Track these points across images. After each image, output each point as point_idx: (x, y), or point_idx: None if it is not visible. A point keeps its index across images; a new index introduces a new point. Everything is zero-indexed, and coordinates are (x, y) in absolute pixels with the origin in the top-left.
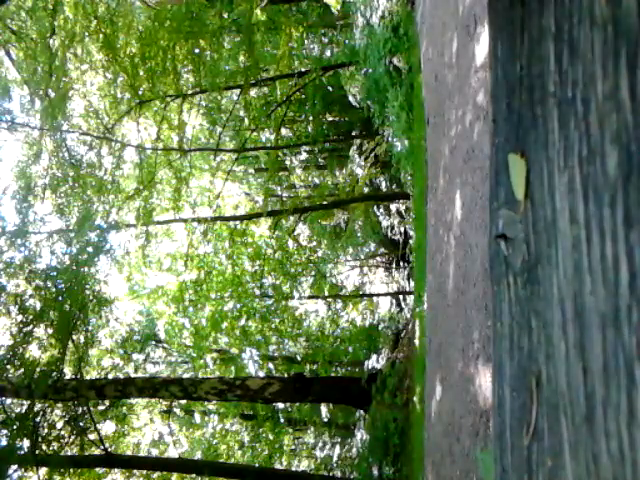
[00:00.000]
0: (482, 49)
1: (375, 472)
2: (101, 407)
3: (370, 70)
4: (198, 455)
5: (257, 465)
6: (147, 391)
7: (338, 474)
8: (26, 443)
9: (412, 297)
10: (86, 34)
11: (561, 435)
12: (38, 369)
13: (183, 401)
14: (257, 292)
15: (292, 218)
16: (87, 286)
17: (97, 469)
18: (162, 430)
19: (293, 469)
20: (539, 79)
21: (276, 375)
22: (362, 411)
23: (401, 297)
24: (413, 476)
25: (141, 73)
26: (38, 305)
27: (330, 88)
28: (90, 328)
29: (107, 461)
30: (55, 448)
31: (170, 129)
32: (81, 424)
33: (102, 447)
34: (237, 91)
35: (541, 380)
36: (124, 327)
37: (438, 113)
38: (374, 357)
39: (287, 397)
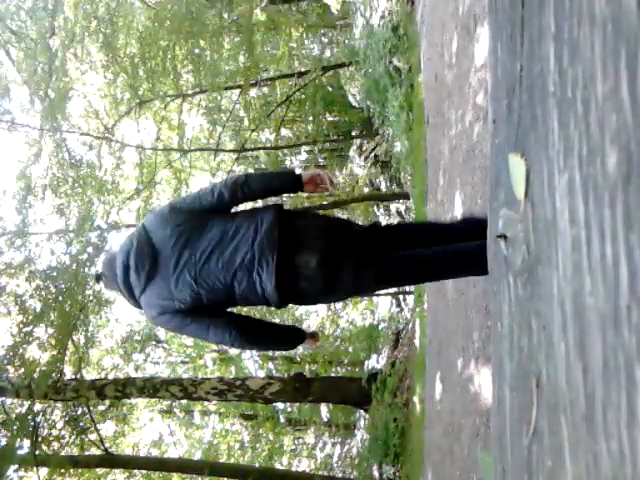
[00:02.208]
0: (482, 49)
1: (375, 472)
2: (101, 407)
3: (370, 70)
4: (198, 455)
5: (257, 465)
6: (147, 391)
7: (338, 474)
8: (26, 443)
9: (412, 297)
10: (86, 34)
11: (561, 435)
12: (38, 369)
13: (183, 401)
14: None
15: None
16: (87, 286)
17: (97, 469)
18: (162, 430)
19: (293, 469)
20: (539, 79)
21: (276, 375)
22: (362, 411)
23: (401, 297)
24: (413, 476)
25: (141, 73)
26: (38, 305)
27: (330, 88)
28: (90, 328)
29: (107, 461)
30: (55, 448)
31: (170, 129)
32: (81, 424)
33: (102, 447)
34: (237, 91)
35: (541, 380)
36: (124, 327)
37: (438, 113)
38: (374, 357)
39: (287, 397)
